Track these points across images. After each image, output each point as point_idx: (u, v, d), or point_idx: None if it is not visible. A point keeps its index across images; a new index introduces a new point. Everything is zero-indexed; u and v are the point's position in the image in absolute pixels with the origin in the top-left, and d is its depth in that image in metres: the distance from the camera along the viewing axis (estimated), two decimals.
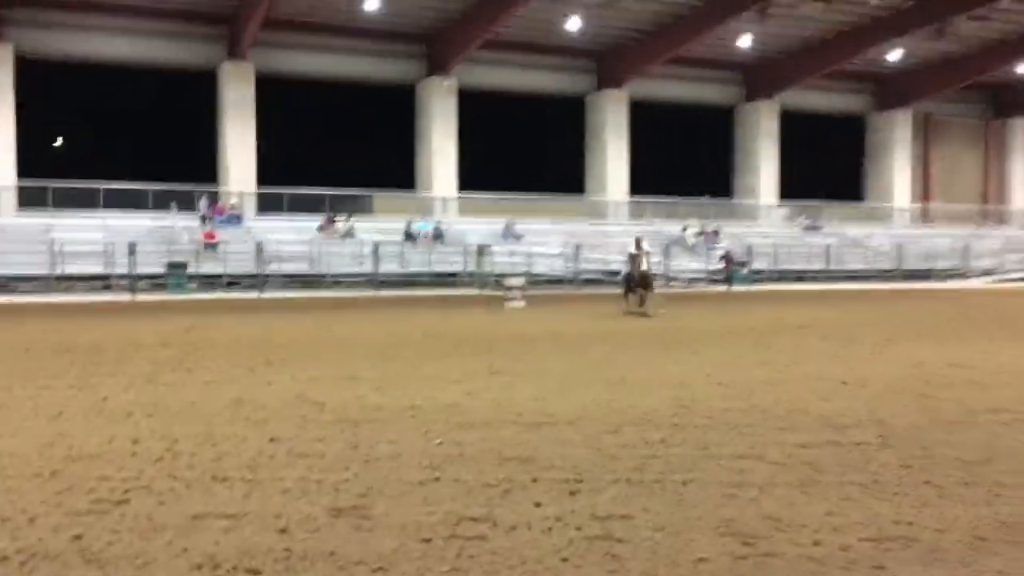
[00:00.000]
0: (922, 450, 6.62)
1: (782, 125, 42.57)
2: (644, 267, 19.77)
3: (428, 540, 4.61)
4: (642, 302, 19.71)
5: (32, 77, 31.31)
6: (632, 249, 20.52)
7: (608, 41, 37.72)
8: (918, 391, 9.26)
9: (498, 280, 27.10)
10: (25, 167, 31.15)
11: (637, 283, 20.08)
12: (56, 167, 31.20)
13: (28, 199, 30.53)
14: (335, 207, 33.35)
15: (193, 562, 4.30)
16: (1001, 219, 46.53)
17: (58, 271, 27.03)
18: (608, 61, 38.86)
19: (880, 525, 4.89)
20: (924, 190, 46.55)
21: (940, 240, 40.60)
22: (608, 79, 39.16)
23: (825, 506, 5.23)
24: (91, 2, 31.69)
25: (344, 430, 7.23)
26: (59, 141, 35.48)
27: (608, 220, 38.49)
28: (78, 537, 4.61)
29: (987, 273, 38.43)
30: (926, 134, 46.64)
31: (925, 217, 45.45)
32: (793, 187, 42.48)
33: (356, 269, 30.31)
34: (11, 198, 30.71)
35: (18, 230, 28.50)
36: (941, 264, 38.44)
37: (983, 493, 5.52)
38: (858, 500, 5.37)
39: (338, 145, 36.17)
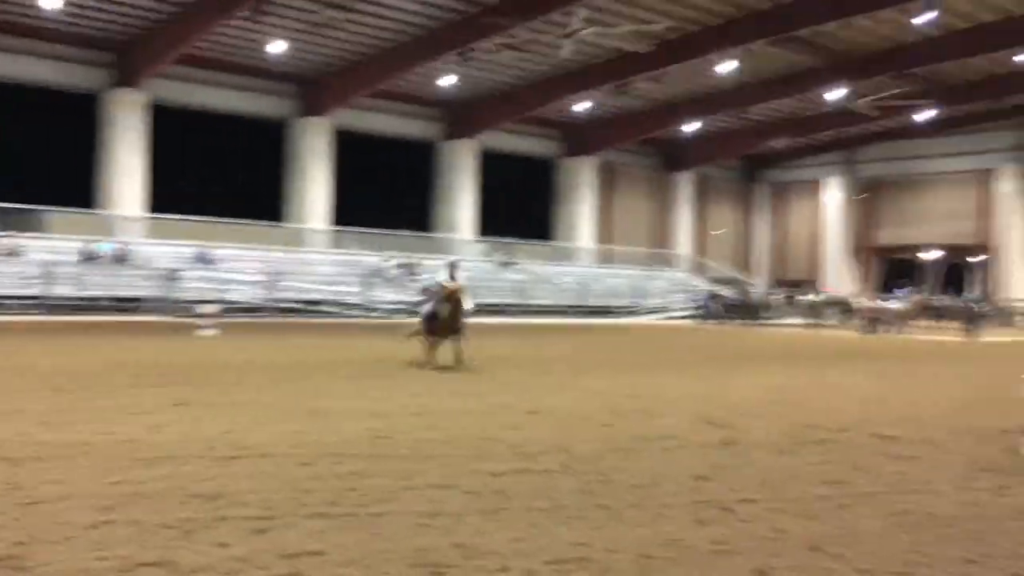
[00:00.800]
0: (600, 475, 7.07)
1: (481, 164, 44.37)
2: (457, 305, 14.55)
3: None
4: (457, 355, 14.70)
5: None
6: (440, 278, 15.33)
7: (313, 68, 37.40)
8: (598, 419, 9.92)
9: (189, 306, 25.70)
10: None
11: (444, 327, 14.68)
12: None
13: None
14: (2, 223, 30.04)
15: None
16: (668, 262, 51.44)
17: None
18: (312, 88, 38.52)
19: (560, 548, 5.14)
20: (605, 232, 50.41)
21: (618, 280, 44.11)
22: (312, 106, 38.78)
23: (513, 532, 5.42)
24: None
25: (2, 470, 6.46)
26: None
27: (307, 248, 37.91)
28: None
29: (656, 311, 42.22)
30: (608, 181, 50.66)
31: (606, 258, 49.18)
32: (490, 224, 44.33)
33: (24, 291, 27.41)
34: None
35: None
36: (619, 301, 41.69)
37: (649, 514, 5.99)
38: (542, 525, 5.62)
39: (6, 155, 32.67)
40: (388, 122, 41.62)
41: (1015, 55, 36.34)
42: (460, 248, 43.02)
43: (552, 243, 47.99)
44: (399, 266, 36.89)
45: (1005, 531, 5.88)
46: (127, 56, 33.83)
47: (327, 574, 4.55)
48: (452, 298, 14.48)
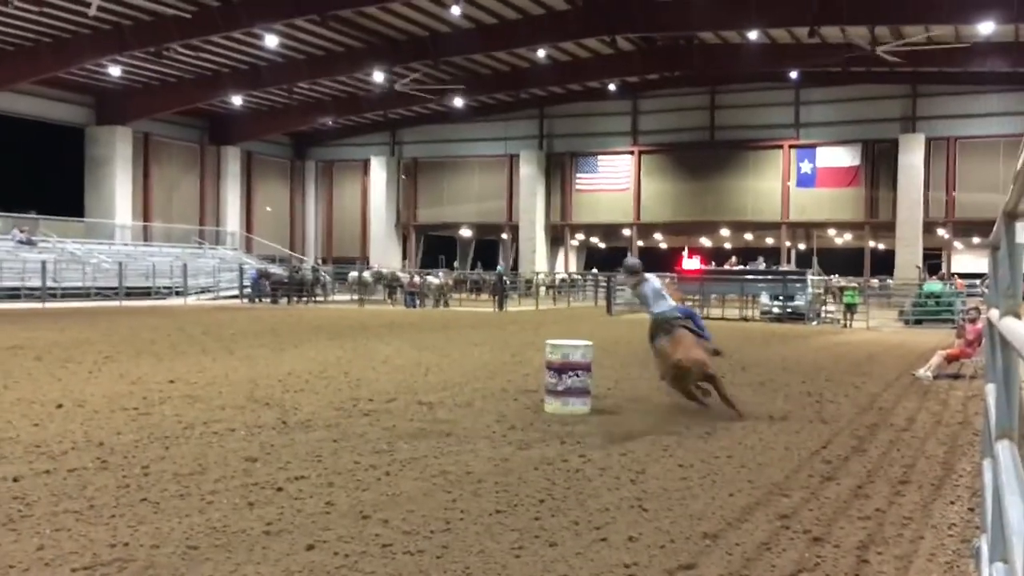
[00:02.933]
0: (141, 468, 6.61)
1: None
2: None
3: None
4: None
5: None
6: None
7: None
8: (137, 408, 9.26)
9: None
10: None
11: None
12: None
13: None
14: None
15: None
16: (217, 240, 49.73)
17: None
18: None
19: (96, 551, 4.71)
20: (145, 209, 47.27)
21: (161, 259, 41.64)
22: None
23: (36, 541, 4.85)
24: None
25: None
26: None
27: None
28: None
29: (205, 291, 40.65)
30: (147, 154, 47.47)
31: (146, 236, 46.16)
32: (5, 197, 39.24)
33: None
34: None
35: None
36: (162, 282, 39.41)
37: (197, 503, 5.72)
38: (73, 529, 5.10)
39: None
40: None
41: (534, 51, 40.53)
42: None
43: (86, 220, 43.83)
44: None
45: (528, 481, 6.54)
46: None
47: None
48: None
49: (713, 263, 40.07)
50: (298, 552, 4.80)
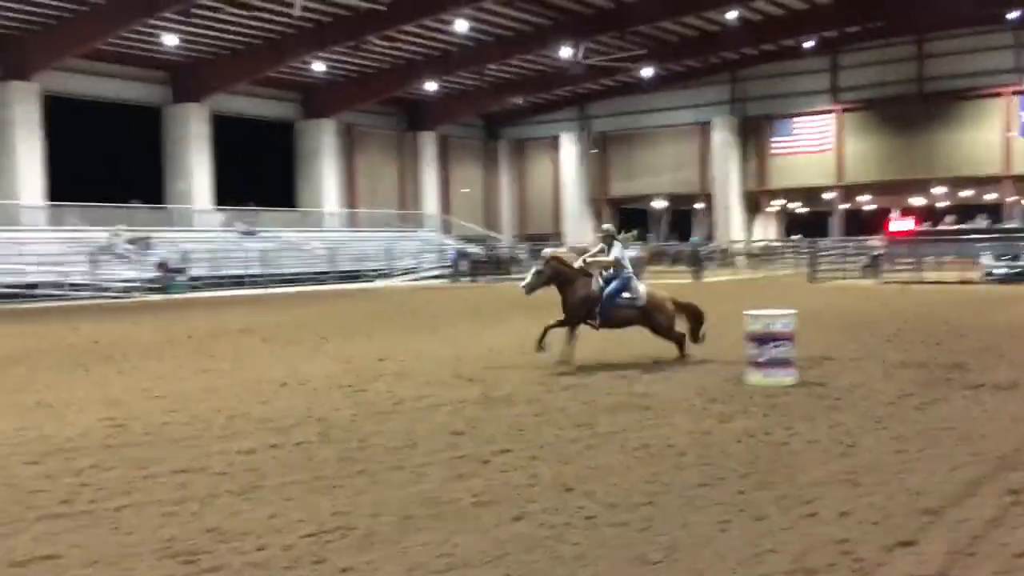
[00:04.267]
0: (358, 442, 7.00)
1: (214, 129, 42.17)
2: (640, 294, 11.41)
3: None
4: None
5: None
6: (619, 252, 11.52)
7: (11, 27, 33.78)
8: (352, 385, 9.80)
9: None
10: None
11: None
12: None
13: None
14: None
15: None
16: (417, 223, 51.64)
17: None
18: (14, 49, 34.79)
19: (321, 519, 5.04)
20: (350, 196, 49.72)
21: (367, 243, 43.73)
22: (16, 70, 35.08)
23: (268, 510, 5.25)
24: None
25: None
26: None
27: (22, 227, 34.51)
28: None
29: (408, 272, 42.37)
30: (351, 143, 49.88)
31: (353, 221, 48.56)
32: (228, 192, 42.36)
33: None
34: None
35: None
36: (370, 265, 41.39)
37: (409, 475, 6.01)
38: (299, 498, 5.48)
39: None
40: (107, 86, 38.52)
41: (724, 13, 39.32)
42: (197, 218, 40.92)
43: (297, 209, 46.69)
44: (131, 241, 34.48)
45: (731, 454, 6.43)
46: None
47: None
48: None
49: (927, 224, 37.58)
50: (506, 523, 4.95)
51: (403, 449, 6.75)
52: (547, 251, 12.45)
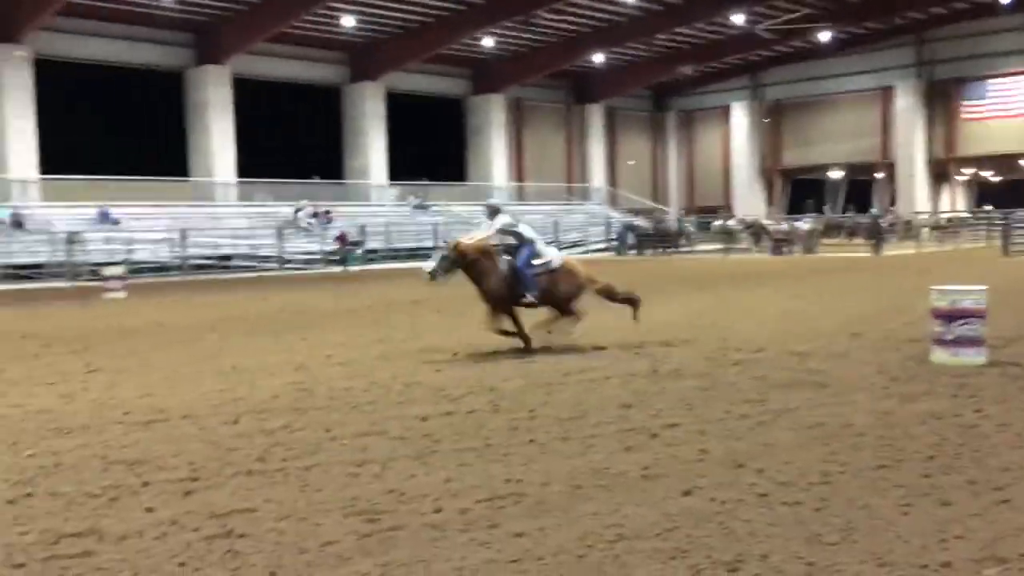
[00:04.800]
0: (528, 412, 7.15)
1: (388, 106, 43.58)
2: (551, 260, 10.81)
3: (21, 565, 4.09)
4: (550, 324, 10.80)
5: None
6: (508, 220, 10.88)
7: (207, 14, 36.00)
8: (522, 356, 9.98)
9: (94, 270, 24.88)
10: None
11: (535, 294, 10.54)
12: None
13: None
14: None
15: None
16: (584, 195, 51.63)
17: None
18: (207, 36, 37.08)
19: (494, 486, 5.20)
20: (518, 170, 50.25)
21: (534, 216, 44.13)
22: (209, 54, 37.38)
23: (444, 474, 5.45)
24: None
25: None
26: None
27: (216, 202, 36.91)
28: None
29: (575, 245, 42.47)
30: (519, 117, 50.36)
31: (520, 195, 49.09)
32: (401, 167, 43.73)
33: None
34: None
35: None
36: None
37: (579, 445, 6.09)
38: (473, 464, 5.67)
39: None
40: (290, 67, 40.42)
41: None
42: (373, 193, 42.46)
43: (466, 183, 47.64)
44: (312, 215, 36.26)
45: (915, 436, 6.15)
46: (4, 9, 32.00)
47: (261, 529, 4.51)
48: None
49: None
50: (675, 496, 4.95)
51: (572, 420, 6.84)
52: (451, 238, 11.84)
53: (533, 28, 40.31)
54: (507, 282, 10.33)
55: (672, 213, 51.40)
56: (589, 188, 52.35)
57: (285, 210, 36.13)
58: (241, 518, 4.68)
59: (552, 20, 39.98)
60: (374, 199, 42.33)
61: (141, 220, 31.77)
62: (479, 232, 10.68)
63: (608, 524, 4.50)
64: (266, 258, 32.14)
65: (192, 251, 30.64)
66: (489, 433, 6.48)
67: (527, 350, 10.27)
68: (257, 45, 37.48)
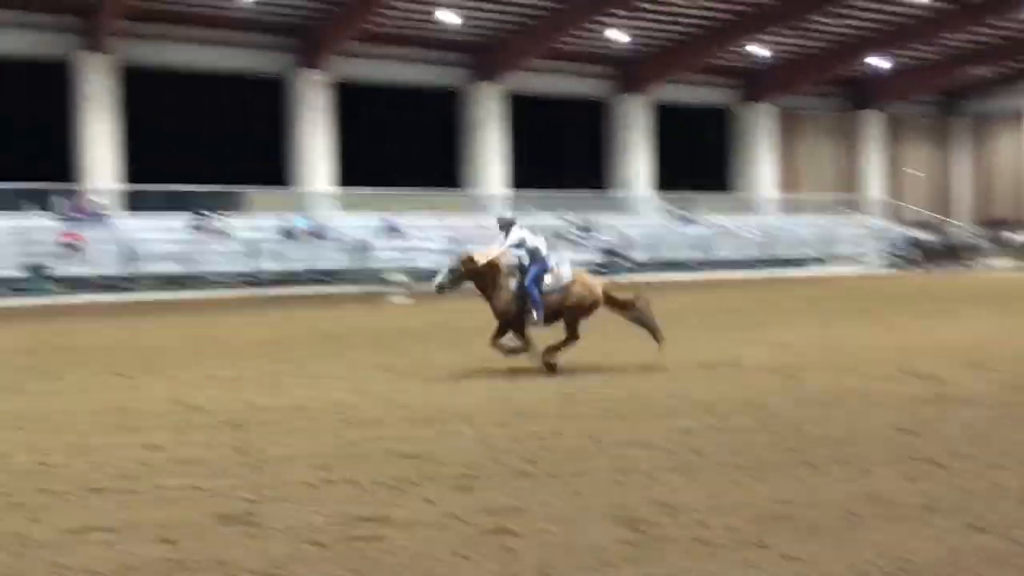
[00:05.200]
0: (796, 431, 6.92)
1: (654, 117, 43.63)
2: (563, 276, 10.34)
3: (323, 544, 4.54)
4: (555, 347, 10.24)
5: None
6: (523, 236, 10.46)
7: (483, 34, 37.85)
8: (790, 373, 9.66)
9: (382, 276, 26.86)
10: None
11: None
12: None
13: None
14: (209, 204, 32.27)
15: None
16: (858, 207, 48.93)
17: None
18: (484, 55, 38.99)
19: (762, 505, 5.09)
20: (787, 180, 48.47)
21: (805, 228, 42.41)
22: (484, 73, 39.30)
23: (710, 489, 5.41)
24: None
25: (228, 434, 7.04)
26: None
27: (488, 213, 38.61)
28: None
29: (848, 259, 40.36)
30: (787, 126, 48.57)
31: (789, 206, 47.35)
32: (666, 178, 43.59)
33: (232, 268, 29.44)
34: None
35: None
36: (807, 251, 40.13)
37: (853, 469, 5.81)
38: (741, 482, 5.57)
39: (209, 140, 35.06)
40: (558, 82, 41.52)
41: None
42: (638, 204, 42.63)
43: (732, 194, 46.64)
44: (579, 227, 37.00)
45: None
46: (309, 39, 35.41)
47: (532, 529, 4.71)
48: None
49: None
50: (962, 531, 4.61)
51: (845, 443, 6.54)
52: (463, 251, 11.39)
53: (806, 33, 38.76)
54: (516, 300, 10.13)
55: (960, 226, 47.47)
56: (864, 200, 49.52)
57: (551, 221, 37.15)
58: (514, 517, 4.90)
59: (828, 24, 38.26)
60: (638, 210, 42.50)
61: (422, 230, 33.89)
62: (494, 247, 10.47)
63: (887, 555, 4.28)
64: None
65: None
66: (756, 450, 6.34)
67: (548, 370, 9.91)
68: (529, 62, 38.86)
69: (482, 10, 35.08)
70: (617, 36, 37.84)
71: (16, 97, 32.23)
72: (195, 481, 5.67)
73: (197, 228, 30.84)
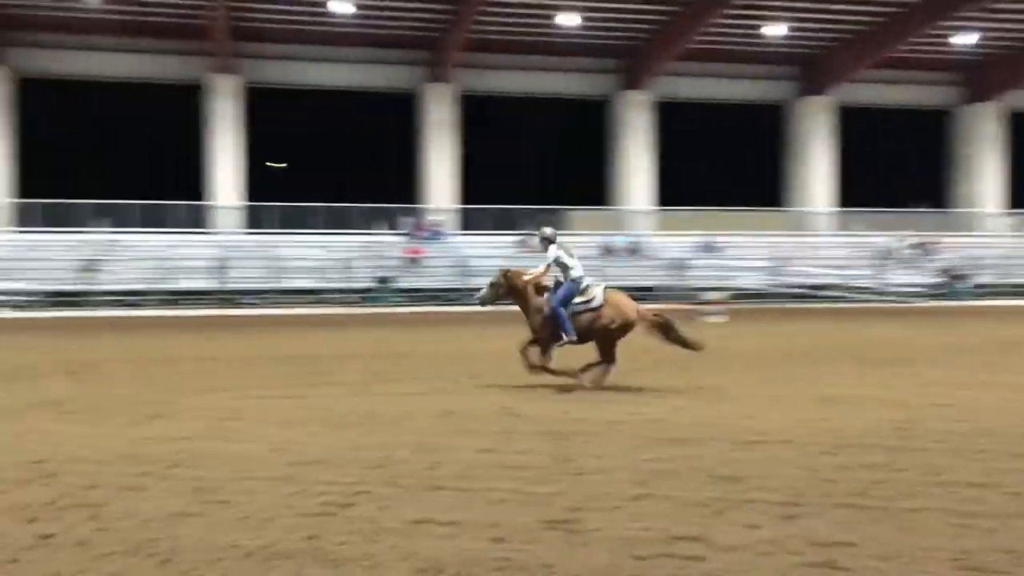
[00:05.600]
0: None
1: (1006, 128, 39.49)
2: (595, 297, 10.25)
3: (642, 557, 4.58)
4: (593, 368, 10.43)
5: (261, 105, 34.06)
6: (558, 254, 10.28)
7: (810, 47, 36.43)
8: None
9: (697, 295, 26.70)
10: (250, 191, 33.92)
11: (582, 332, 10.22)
12: (272, 190, 33.76)
13: (253, 220, 33.14)
14: (533, 222, 33.89)
15: (418, 566, 4.47)
16: None
17: (281, 285, 29.12)
18: (811, 68, 37.52)
19: (950, 557, 4.46)
20: None
21: None
22: (811, 86, 37.81)
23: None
24: (313, 32, 33.93)
25: (549, 443, 7.32)
26: (282, 165, 38.17)
27: (811, 232, 37.04)
28: (311, 537, 4.90)
29: None
30: None
31: None
32: (1017, 194, 39.29)
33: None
34: (241, 217, 33.42)
35: (246, 247, 30.86)
36: None
37: None
38: (931, 526, 4.91)
39: (534, 161, 36.90)
40: (892, 92, 38.90)
41: None
42: (986, 223, 38.81)
43: (951, 210, 40.53)
44: (912, 246, 34.41)
45: None
46: (631, 60, 36.05)
47: (862, 566, 4.44)
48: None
49: None
50: None
51: None
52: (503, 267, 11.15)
53: None
54: (552, 320, 10.11)
55: None
56: None
57: (884, 240, 34.83)
58: (842, 551, 4.65)
59: None
60: (984, 229, 38.67)
61: (741, 249, 33.25)
62: (540, 265, 10.41)
63: None
64: (862, 289, 31.39)
65: (787, 279, 31.17)
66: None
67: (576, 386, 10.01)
68: (859, 73, 36.82)
69: (808, 23, 33.79)
70: (962, 41, 34.75)
71: (366, 125, 35.98)
72: (522, 486, 5.95)
73: (521, 244, 32.51)
